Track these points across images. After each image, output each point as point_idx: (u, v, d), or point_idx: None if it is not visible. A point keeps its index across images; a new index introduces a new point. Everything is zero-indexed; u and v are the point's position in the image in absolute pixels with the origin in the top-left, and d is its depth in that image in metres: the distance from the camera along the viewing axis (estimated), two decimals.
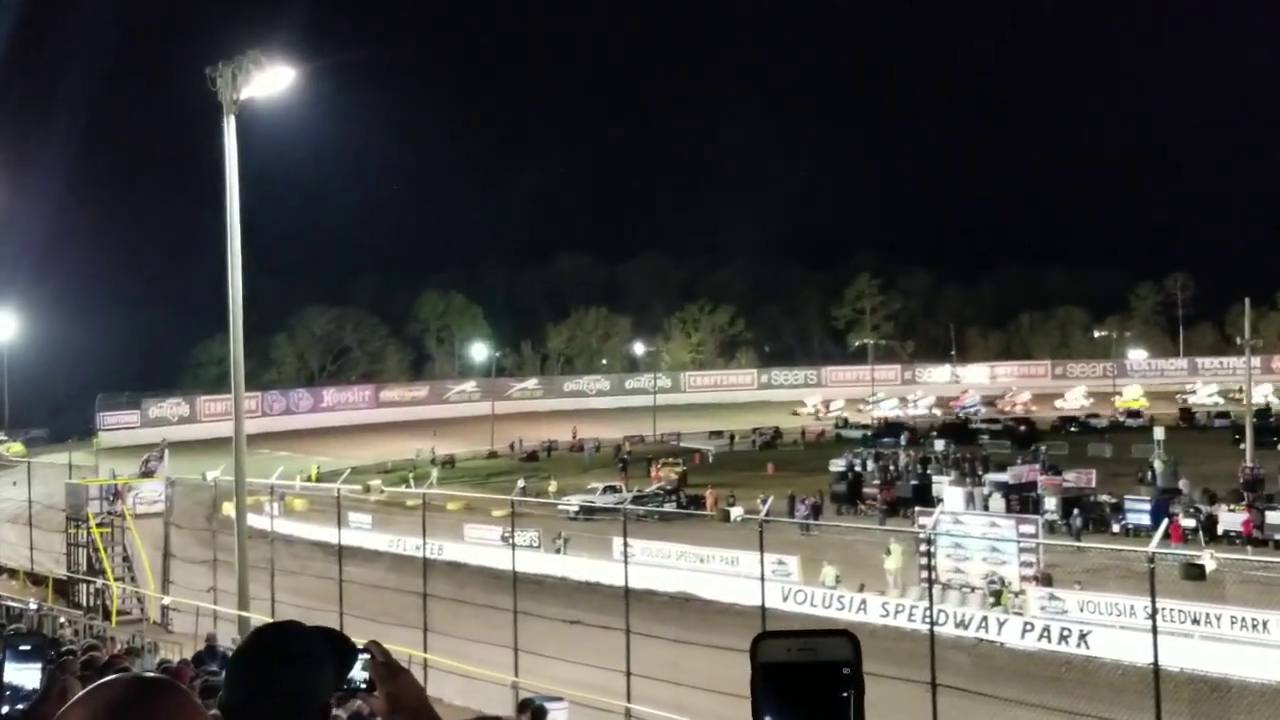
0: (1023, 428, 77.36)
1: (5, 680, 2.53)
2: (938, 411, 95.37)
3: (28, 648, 2.56)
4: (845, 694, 1.63)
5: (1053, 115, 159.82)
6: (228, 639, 28.85)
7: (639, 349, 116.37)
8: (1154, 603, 19.16)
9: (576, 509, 49.14)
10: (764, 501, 27.85)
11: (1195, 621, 26.20)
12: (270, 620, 18.02)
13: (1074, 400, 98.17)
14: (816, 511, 46.82)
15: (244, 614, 26.71)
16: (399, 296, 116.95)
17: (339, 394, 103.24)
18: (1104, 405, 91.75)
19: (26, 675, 2.55)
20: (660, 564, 37.58)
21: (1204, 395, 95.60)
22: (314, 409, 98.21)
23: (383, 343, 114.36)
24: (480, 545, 42.02)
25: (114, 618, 32.76)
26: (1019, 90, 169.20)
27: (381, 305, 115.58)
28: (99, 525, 36.94)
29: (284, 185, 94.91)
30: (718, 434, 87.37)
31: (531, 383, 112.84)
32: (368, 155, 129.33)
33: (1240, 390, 74.19)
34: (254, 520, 32.26)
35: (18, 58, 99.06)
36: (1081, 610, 29.17)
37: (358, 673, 2.58)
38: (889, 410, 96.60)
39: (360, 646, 2.61)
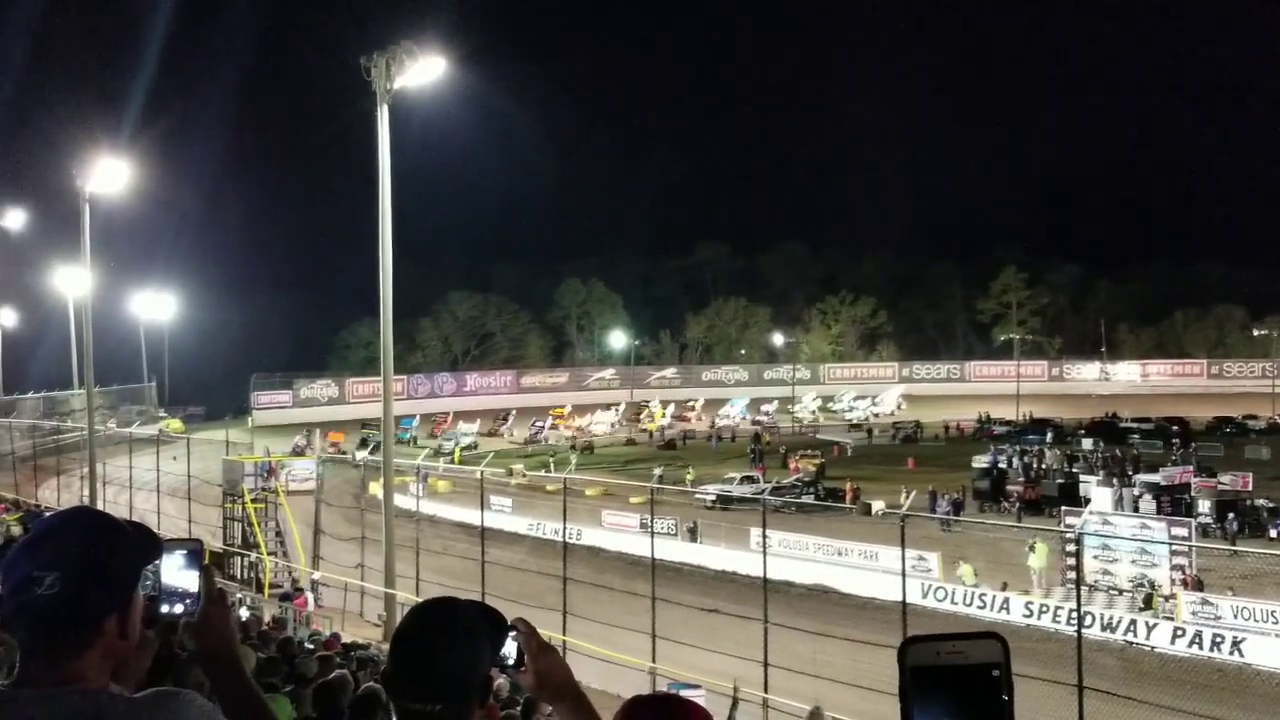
0: (1175, 427, 75.07)
1: (165, 582, 2.67)
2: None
3: (185, 553, 2.72)
4: (997, 696, 1.64)
5: (1206, 107, 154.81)
6: (373, 614, 29.74)
7: (778, 340, 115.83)
8: None
9: (714, 498, 49.18)
10: (907, 495, 27.46)
11: None
12: (418, 598, 18.36)
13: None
14: (958, 508, 46.15)
15: (390, 591, 27.34)
16: (540, 284, 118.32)
17: (482, 378, 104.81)
18: (1256, 405, 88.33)
19: (187, 578, 2.70)
20: (797, 556, 37.49)
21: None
22: (457, 392, 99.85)
23: (524, 329, 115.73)
24: (618, 531, 42.31)
25: (266, 590, 33.76)
26: (1173, 81, 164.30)
27: (523, 292, 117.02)
28: (253, 501, 38.07)
29: (431, 172, 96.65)
30: (857, 427, 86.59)
31: (670, 371, 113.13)
32: (511, 144, 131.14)
33: None
34: (400, 500, 32.94)
35: (178, 47, 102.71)
36: (1236, 616, 28.27)
37: (507, 648, 2.63)
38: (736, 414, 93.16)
39: (511, 623, 2.68)
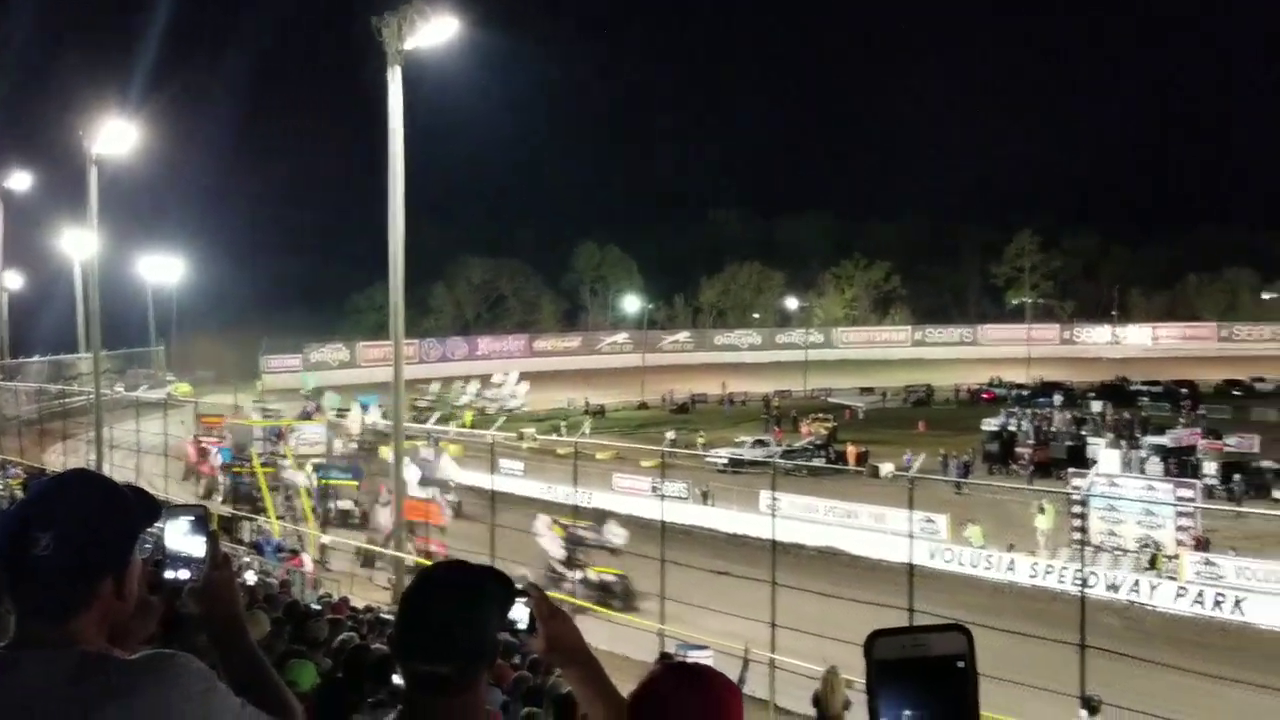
0: (1184, 390, 75.04)
1: (171, 547, 2.72)
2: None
3: (190, 518, 2.77)
4: (962, 688, 1.68)
5: (1220, 71, 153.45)
6: (384, 579, 29.94)
7: (792, 304, 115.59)
8: None
9: (726, 461, 49.28)
10: (907, 459, 27.62)
11: None
12: (428, 563, 18.50)
13: None
14: (967, 470, 46.28)
15: (399, 555, 27.53)
16: (554, 248, 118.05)
17: (494, 343, 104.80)
18: (1265, 367, 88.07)
19: (192, 544, 2.74)
20: (807, 518, 37.62)
21: None
22: (469, 356, 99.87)
23: (538, 293, 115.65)
24: (629, 495, 42.46)
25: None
26: (1186, 47, 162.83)
27: (537, 256, 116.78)
28: (263, 465, 38.22)
29: (444, 135, 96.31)
30: (869, 390, 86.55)
31: (683, 335, 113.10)
32: (526, 107, 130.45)
33: None
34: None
35: (188, 6, 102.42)
36: (1238, 576, 28.45)
37: (519, 613, 2.65)
38: None
39: (521, 588, 2.69)
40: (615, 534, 30.95)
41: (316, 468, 39.80)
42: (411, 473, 37.64)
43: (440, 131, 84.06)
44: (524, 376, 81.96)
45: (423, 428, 39.39)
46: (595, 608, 26.14)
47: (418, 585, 2.61)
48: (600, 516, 32.11)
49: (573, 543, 30.70)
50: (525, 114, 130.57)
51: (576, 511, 32.13)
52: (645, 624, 25.14)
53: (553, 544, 30.84)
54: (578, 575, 30.03)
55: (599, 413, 74.57)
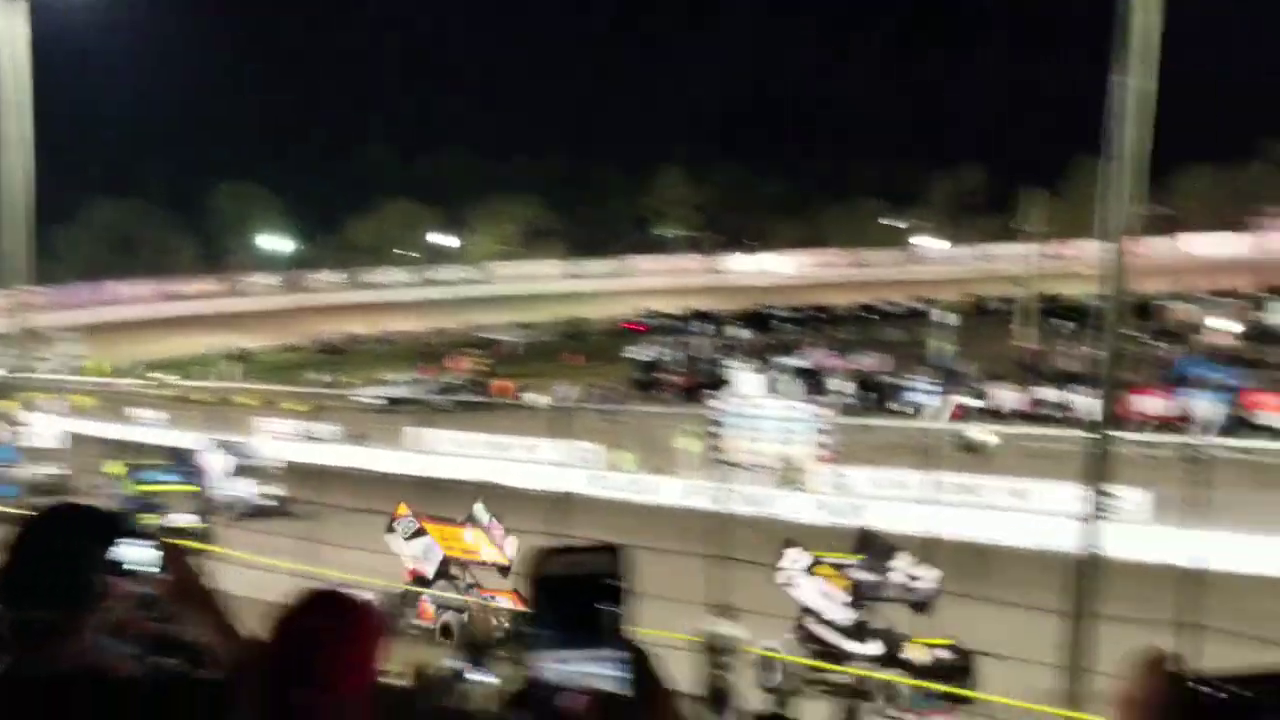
0: (821, 314, 79.59)
1: None
2: None
3: None
4: (610, 602, 1.85)
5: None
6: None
7: (444, 241, 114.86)
8: (932, 476, 20.10)
9: (381, 400, 48.76)
10: (559, 391, 28.14)
11: (969, 491, 27.69)
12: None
13: None
14: (619, 399, 47.44)
15: (27, 513, 25.78)
16: (193, 187, 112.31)
17: (127, 288, 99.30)
18: (892, 291, 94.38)
19: None
20: (462, 454, 37.70)
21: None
22: (101, 303, 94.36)
23: (174, 236, 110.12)
24: (276, 440, 41.30)
25: None
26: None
27: (174, 196, 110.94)
28: None
29: (70, 69, 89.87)
30: (525, 326, 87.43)
31: (333, 276, 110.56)
32: (161, 42, 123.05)
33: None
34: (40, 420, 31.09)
35: None
36: (868, 486, 30.48)
37: (148, 555, 2.59)
38: None
39: (149, 532, 2.66)
40: (921, 576, 18.47)
41: (129, 468, 29.47)
42: (217, 460, 32.21)
43: (66, 64, 78.35)
44: (160, 322, 78.55)
45: (46, 378, 36.82)
46: (237, 553, 25.08)
47: (21, 532, 2.56)
48: (875, 543, 19.64)
49: (865, 598, 18.63)
50: (159, 48, 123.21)
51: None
52: (288, 565, 24.39)
53: (825, 600, 18.88)
54: (877, 650, 18.13)
55: (243, 357, 72.24)
